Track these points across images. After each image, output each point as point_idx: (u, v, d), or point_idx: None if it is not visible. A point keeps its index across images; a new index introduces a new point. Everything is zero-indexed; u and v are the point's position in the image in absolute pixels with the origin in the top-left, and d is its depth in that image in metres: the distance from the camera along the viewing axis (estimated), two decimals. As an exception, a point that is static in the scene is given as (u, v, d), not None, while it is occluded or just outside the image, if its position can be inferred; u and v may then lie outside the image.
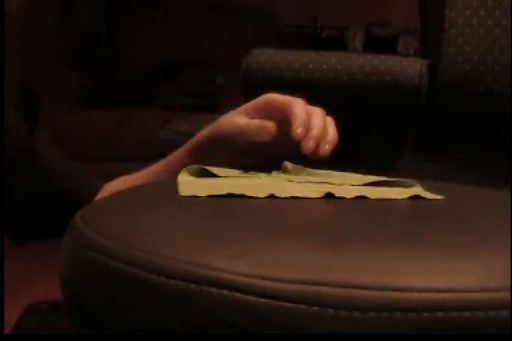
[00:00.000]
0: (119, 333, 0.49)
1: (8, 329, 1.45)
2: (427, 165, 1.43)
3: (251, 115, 0.81)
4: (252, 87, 1.37)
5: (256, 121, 0.79)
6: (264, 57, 1.39)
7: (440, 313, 0.42)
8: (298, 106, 0.77)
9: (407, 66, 1.35)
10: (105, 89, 3.45)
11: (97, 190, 0.89)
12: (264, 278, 0.44)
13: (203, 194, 0.62)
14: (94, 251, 0.51)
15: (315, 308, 0.43)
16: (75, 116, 3.21)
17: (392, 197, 0.66)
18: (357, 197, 0.65)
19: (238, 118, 0.81)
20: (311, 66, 1.37)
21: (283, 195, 0.63)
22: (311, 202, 0.63)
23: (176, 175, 0.71)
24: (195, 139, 0.85)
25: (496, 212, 0.63)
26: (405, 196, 0.66)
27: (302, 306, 0.43)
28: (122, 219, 0.56)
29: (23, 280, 2.16)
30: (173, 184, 0.66)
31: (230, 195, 0.62)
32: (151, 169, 0.88)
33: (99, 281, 0.51)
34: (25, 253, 1.29)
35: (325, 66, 1.37)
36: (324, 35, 3.84)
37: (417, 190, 0.69)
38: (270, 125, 0.78)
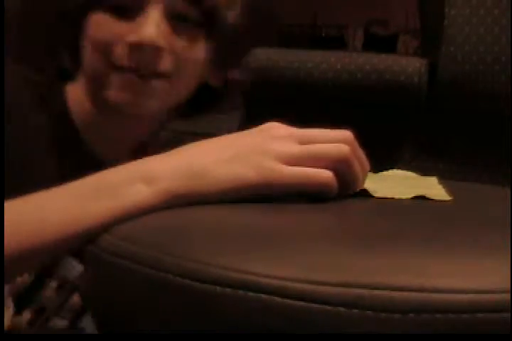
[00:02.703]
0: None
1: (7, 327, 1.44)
2: (426, 165, 1.42)
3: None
4: (251, 87, 1.37)
5: (312, 172, 0.61)
6: (263, 57, 1.39)
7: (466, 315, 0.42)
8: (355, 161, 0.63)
9: (407, 65, 1.35)
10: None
11: None
12: (301, 282, 0.44)
13: None
14: (122, 258, 0.50)
15: (354, 311, 0.42)
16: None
17: (395, 196, 0.65)
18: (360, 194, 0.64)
19: (273, 163, 0.61)
20: (310, 65, 1.37)
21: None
22: (334, 204, 0.62)
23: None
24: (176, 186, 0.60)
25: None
26: (409, 196, 0.65)
27: (342, 309, 0.42)
28: (150, 224, 0.55)
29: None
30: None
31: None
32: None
33: (130, 290, 0.49)
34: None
35: (324, 65, 1.37)
36: (324, 34, 3.84)
37: (428, 191, 0.67)
38: (331, 176, 0.61)
